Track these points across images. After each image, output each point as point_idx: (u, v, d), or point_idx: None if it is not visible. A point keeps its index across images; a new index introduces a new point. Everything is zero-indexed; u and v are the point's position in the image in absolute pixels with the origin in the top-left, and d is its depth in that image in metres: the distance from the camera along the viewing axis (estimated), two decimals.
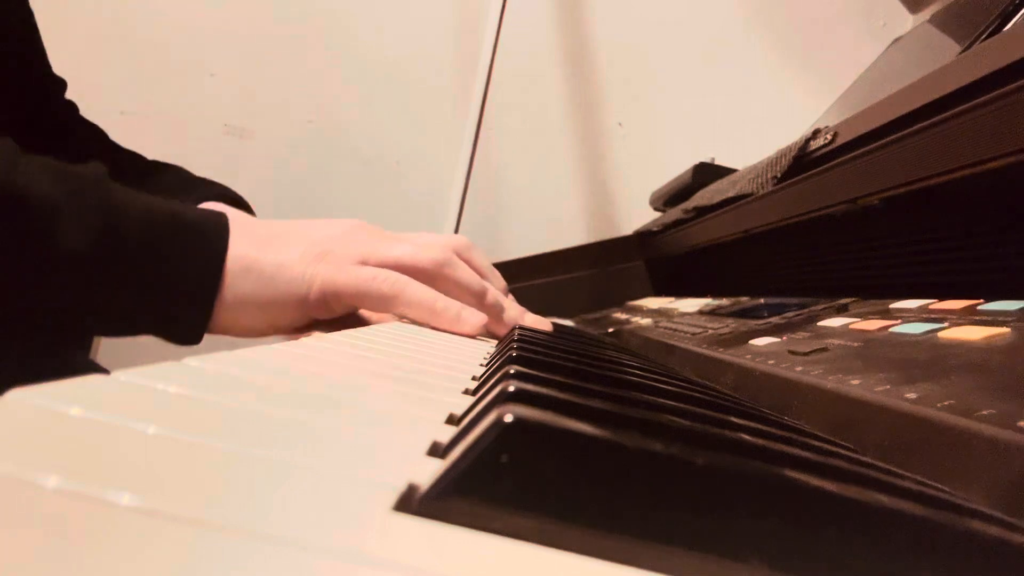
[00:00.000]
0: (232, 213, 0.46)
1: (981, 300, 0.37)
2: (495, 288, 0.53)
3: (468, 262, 0.52)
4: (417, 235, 0.52)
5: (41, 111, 0.65)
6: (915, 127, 0.43)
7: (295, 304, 0.45)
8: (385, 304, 0.47)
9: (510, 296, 0.56)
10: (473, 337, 0.49)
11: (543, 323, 0.55)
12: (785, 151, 0.66)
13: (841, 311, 0.47)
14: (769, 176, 0.67)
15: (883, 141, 0.47)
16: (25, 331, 0.42)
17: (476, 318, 0.48)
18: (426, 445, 0.16)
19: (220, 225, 0.44)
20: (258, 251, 0.45)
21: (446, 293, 0.48)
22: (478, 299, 0.50)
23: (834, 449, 0.21)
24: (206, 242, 0.43)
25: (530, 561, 0.11)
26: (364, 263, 0.47)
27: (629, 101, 1.57)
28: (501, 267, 0.56)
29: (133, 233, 0.40)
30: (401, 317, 0.50)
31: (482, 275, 0.53)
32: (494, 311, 0.51)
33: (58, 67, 0.70)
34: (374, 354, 0.30)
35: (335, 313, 0.47)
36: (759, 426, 0.21)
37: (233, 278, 0.43)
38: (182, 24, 1.42)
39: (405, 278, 0.47)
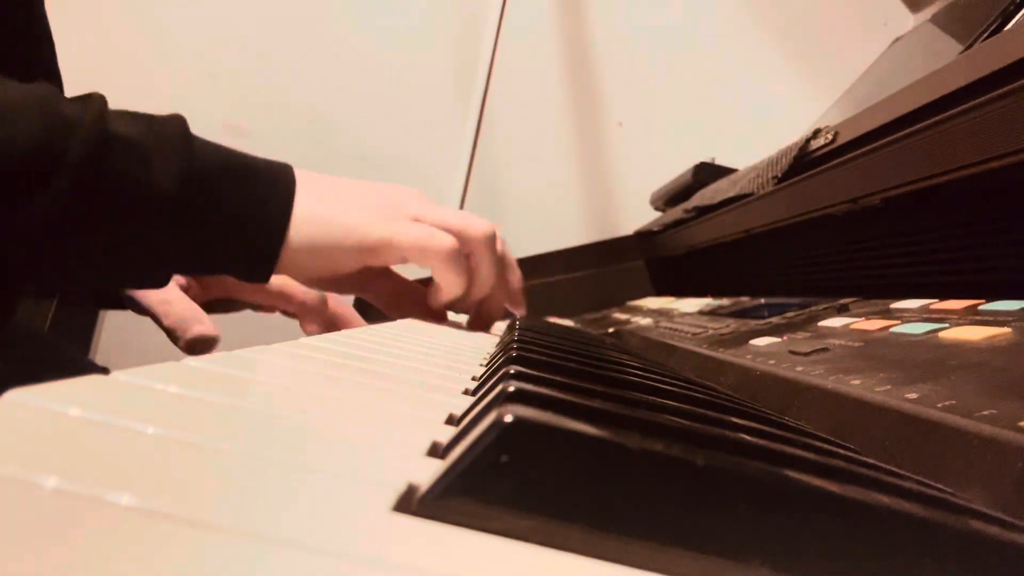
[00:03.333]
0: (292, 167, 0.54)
1: (982, 300, 0.37)
2: (514, 283, 0.60)
3: (502, 253, 0.57)
4: (459, 212, 0.57)
5: None
6: (915, 127, 0.43)
7: (353, 250, 0.51)
8: (436, 260, 0.52)
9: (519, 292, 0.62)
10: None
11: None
12: (786, 151, 0.66)
13: (842, 311, 0.47)
14: (770, 176, 0.67)
15: (883, 141, 0.47)
16: (110, 273, 0.46)
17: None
18: (426, 445, 0.16)
19: (288, 173, 0.50)
20: (322, 202, 0.51)
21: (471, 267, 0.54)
22: (483, 292, 0.55)
23: (835, 449, 0.21)
24: (277, 187, 0.49)
25: (530, 561, 0.11)
26: (418, 220, 0.53)
27: (629, 100, 1.57)
28: None
29: (214, 176, 0.45)
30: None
31: (507, 265, 0.58)
32: (486, 315, 0.58)
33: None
34: (374, 354, 0.30)
35: (389, 262, 0.53)
36: (759, 426, 0.21)
37: (299, 222, 0.49)
38: (182, 24, 1.42)
39: (457, 244, 0.52)
